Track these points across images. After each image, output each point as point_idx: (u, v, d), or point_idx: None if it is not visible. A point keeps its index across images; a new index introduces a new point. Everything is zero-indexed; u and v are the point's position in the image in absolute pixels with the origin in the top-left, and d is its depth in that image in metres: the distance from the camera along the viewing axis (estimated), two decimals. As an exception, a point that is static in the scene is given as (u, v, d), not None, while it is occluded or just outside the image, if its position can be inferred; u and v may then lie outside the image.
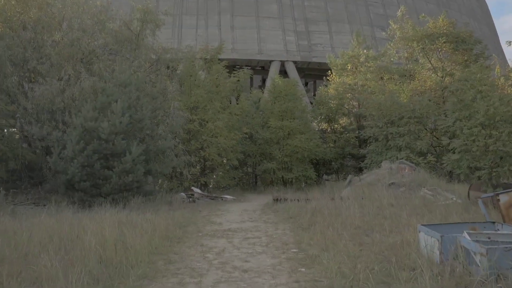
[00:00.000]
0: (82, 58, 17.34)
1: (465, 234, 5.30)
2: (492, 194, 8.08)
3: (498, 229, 6.26)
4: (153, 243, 6.66)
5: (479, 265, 4.77)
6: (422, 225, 6.12)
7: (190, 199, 16.22)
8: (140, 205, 12.88)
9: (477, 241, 5.23)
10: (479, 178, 10.61)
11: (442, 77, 24.18)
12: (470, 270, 4.88)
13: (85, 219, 8.51)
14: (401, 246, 6.23)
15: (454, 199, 12.96)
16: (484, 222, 6.63)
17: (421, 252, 5.81)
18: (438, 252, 5.29)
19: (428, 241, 5.68)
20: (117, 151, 13.39)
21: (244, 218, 10.78)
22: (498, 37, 59.75)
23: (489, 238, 5.44)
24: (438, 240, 5.32)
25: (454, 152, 11.80)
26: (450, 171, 20.03)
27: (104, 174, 13.19)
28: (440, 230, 5.97)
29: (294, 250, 6.59)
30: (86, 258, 5.18)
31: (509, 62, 24.34)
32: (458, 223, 6.47)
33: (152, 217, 9.86)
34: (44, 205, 13.17)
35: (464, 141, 10.67)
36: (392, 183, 16.01)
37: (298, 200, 13.82)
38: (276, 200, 14.37)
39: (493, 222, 6.47)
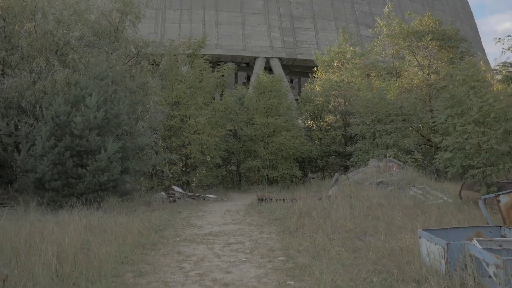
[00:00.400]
0: (56, 49, 16.38)
1: (475, 242, 4.71)
2: (493, 194, 7.53)
3: (505, 234, 5.71)
4: (123, 251, 5.90)
5: (494, 278, 4.19)
6: (423, 230, 5.51)
7: (171, 198, 15.43)
8: (115, 206, 12.09)
9: (488, 249, 4.65)
10: (472, 177, 10.10)
11: (428, 74, 23.88)
12: (483, 284, 4.29)
13: (51, 223, 7.70)
14: (400, 253, 5.62)
15: (445, 198, 12.50)
16: (488, 226, 6.06)
17: (423, 260, 5.20)
18: (443, 262, 4.68)
19: (431, 248, 5.07)
20: (92, 148, 12.54)
21: (227, 220, 10.08)
22: (480, 37, 60.32)
23: (500, 245, 4.87)
24: (443, 248, 4.71)
25: (446, 150, 11.29)
26: (437, 169, 19.74)
27: (77, 173, 12.33)
28: (442, 235, 5.38)
29: (282, 258, 5.92)
30: (38, 273, 4.41)
31: (491, 62, 24.07)
32: (461, 227, 5.88)
33: (127, 219, 9.10)
34: (12, 206, 12.26)
35: (457, 138, 10.15)
36: (381, 182, 15.50)
37: (284, 200, 13.19)
38: (261, 200, 13.70)
39: (499, 226, 5.91)
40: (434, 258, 4.90)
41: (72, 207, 11.30)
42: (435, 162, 11.29)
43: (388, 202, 11.61)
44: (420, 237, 5.43)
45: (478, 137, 9.74)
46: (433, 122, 12.05)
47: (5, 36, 15.51)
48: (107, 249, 5.69)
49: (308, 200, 12.15)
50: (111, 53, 17.80)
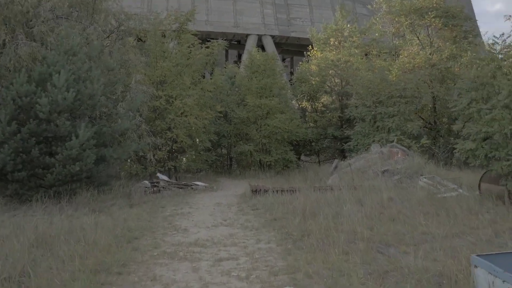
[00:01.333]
0: (25, 21, 14.54)
1: None
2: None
3: None
4: (77, 281, 4.42)
5: None
6: (478, 256, 4.12)
7: (155, 188, 13.95)
8: (89, 200, 10.60)
9: None
10: (502, 169, 8.76)
11: (430, 54, 22.39)
12: None
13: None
14: (448, 284, 4.25)
15: (461, 191, 11.25)
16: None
17: (484, 300, 3.84)
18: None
19: (496, 285, 3.71)
20: (61, 134, 10.94)
21: (217, 219, 8.64)
22: (475, 18, 58.81)
23: None
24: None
25: (465, 139, 9.94)
26: (441, 155, 18.50)
27: (45, 162, 10.76)
28: (505, 263, 4.01)
29: (289, 288, 4.52)
30: None
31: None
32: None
33: (97, 220, 7.65)
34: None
35: (483, 126, 8.77)
36: (386, 171, 14.20)
37: (281, 191, 11.80)
38: (255, 191, 12.28)
39: None
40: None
41: (38, 202, 9.87)
42: (456, 152, 9.90)
43: (399, 195, 10.32)
44: (476, 266, 4.05)
45: (510, 125, 8.36)
46: (452, 107, 10.61)
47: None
48: (53, 282, 4.22)
49: (309, 192, 10.80)
50: (88, 26, 16.00)
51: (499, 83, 9.03)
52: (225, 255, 5.81)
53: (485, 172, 10.37)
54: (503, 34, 9.87)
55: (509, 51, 9.61)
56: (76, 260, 4.96)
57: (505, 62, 9.45)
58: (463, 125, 9.51)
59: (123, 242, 6.31)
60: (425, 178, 12.59)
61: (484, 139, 8.98)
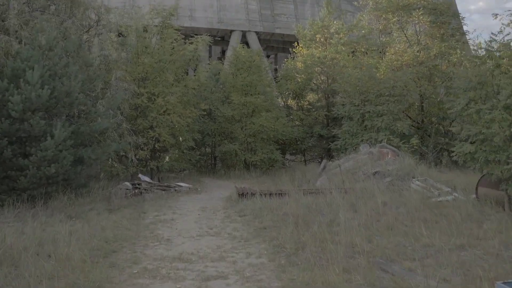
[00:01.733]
0: (-1, 14, 13.70)
1: None
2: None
3: None
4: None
5: None
6: (503, 283, 3.68)
7: (136, 190, 13.29)
8: (66, 204, 9.91)
9: None
10: (502, 173, 8.40)
11: (418, 51, 22.16)
12: None
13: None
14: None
15: (456, 194, 10.91)
16: None
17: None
18: None
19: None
20: (36, 134, 10.22)
21: (202, 228, 8.06)
22: (459, 18, 59.28)
23: None
24: None
25: (461, 141, 9.58)
26: (433, 155, 18.29)
27: (19, 164, 10.02)
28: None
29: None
30: None
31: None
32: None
33: (74, 228, 7.03)
34: None
35: (482, 127, 8.40)
36: (376, 172, 13.81)
37: (269, 194, 11.29)
38: (241, 194, 11.73)
39: None
40: None
41: (10, 206, 9.17)
42: (453, 155, 9.53)
43: (393, 199, 9.92)
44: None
45: (510, 127, 8.01)
46: (448, 108, 10.24)
47: None
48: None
49: (299, 197, 10.32)
50: (65, 20, 15.18)
51: (499, 82, 8.66)
52: (212, 272, 5.26)
53: (482, 176, 10.01)
54: (501, 31, 9.54)
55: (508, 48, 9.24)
56: (44, 283, 4.35)
57: (504, 60, 9.09)
58: (461, 127, 9.10)
59: (99, 256, 5.69)
60: (417, 180, 12.24)
61: (483, 141, 8.62)
